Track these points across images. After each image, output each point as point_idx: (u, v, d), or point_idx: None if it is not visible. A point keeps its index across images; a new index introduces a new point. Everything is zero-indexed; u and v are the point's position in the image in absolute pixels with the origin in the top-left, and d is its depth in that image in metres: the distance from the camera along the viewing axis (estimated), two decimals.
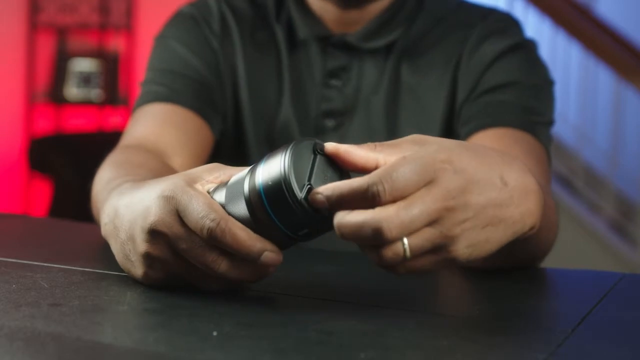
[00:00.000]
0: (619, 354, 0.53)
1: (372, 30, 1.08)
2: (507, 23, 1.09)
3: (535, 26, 3.72)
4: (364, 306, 0.63)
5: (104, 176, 0.83)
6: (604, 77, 3.81)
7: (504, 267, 0.79)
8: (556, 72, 1.09)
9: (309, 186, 0.57)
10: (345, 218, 0.54)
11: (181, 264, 0.61)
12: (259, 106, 1.09)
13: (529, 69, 1.06)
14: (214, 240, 0.58)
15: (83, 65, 3.84)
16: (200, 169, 0.65)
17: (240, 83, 1.10)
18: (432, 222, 0.54)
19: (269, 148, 1.07)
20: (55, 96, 3.84)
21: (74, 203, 2.90)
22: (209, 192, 0.62)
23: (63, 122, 3.88)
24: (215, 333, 0.53)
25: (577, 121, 3.87)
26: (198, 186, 0.62)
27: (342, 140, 1.06)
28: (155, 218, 0.60)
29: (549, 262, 0.87)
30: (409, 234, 0.54)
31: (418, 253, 0.55)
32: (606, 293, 0.70)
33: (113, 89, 3.91)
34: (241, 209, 0.59)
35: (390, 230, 0.53)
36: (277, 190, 0.57)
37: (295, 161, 0.57)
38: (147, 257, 0.62)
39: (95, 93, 3.85)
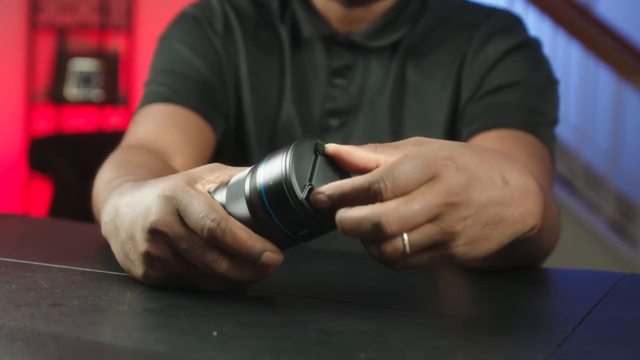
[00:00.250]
0: (619, 354, 0.53)
1: (378, 28, 1.08)
2: (511, 22, 1.09)
3: (535, 26, 3.71)
4: (364, 306, 0.63)
5: (105, 176, 0.84)
6: (604, 77, 3.81)
7: (505, 267, 0.79)
8: (556, 72, 1.09)
9: (310, 186, 0.57)
10: (346, 213, 0.55)
11: (181, 264, 0.62)
12: (261, 106, 1.09)
13: (533, 68, 1.05)
14: (214, 240, 0.58)
15: (83, 65, 3.84)
16: (200, 169, 0.65)
17: (243, 83, 1.10)
18: (432, 219, 0.54)
19: (271, 148, 1.07)
20: (55, 96, 3.84)
21: (74, 203, 2.90)
22: (209, 192, 0.62)
23: (63, 122, 3.88)
24: (215, 333, 0.53)
25: (577, 121, 3.87)
26: (199, 186, 0.62)
27: (346, 139, 1.06)
28: (156, 217, 0.60)
29: (549, 262, 0.87)
30: (409, 230, 0.54)
31: (417, 249, 0.55)
32: (606, 293, 0.70)
33: (113, 89, 3.91)
34: (242, 209, 0.59)
35: (389, 225, 0.53)
36: (279, 190, 0.57)
37: (296, 162, 0.57)
38: (148, 257, 0.62)
39: (95, 93, 3.85)
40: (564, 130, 3.76)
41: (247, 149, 1.09)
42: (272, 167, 0.58)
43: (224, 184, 0.62)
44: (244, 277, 0.61)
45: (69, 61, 3.84)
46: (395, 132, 1.06)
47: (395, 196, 0.54)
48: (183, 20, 1.12)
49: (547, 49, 1.11)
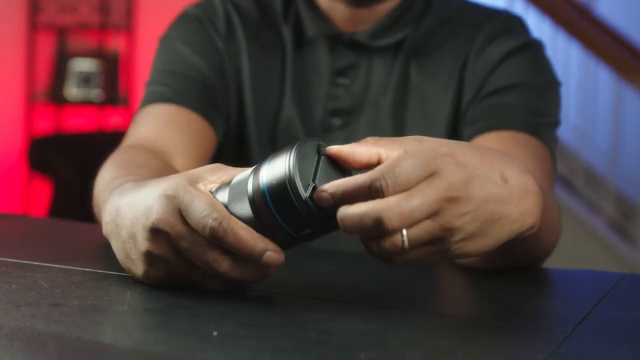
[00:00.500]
0: (619, 354, 0.53)
1: (381, 28, 1.08)
2: (513, 24, 1.09)
3: (535, 26, 3.71)
4: (364, 306, 0.63)
5: (106, 176, 0.84)
6: (604, 77, 3.81)
7: (505, 267, 0.79)
8: (556, 73, 1.09)
9: (313, 186, 0.57)
10: (348, 210, 0.55)
11: (182, 263, 0.62)
12: (262, 106, 1.09)
13: (535, 69, 1.05)
14: (216, 240, 0.58)
15: (83, 65, 3.84)
16: (202, 169, 0.65)
17: (245, 84, 1.10)
18: (432, 214, 0.55)
19: (272, 149, 1.07)
20: (55, 96, 3.84)
21: (74, 203, 2.90)
22: (211, 192, 0.62)
23: (63, 122, 3.88)
24: (215, 333, 0.53)
25: (577, 121, 3.87)
26: (200, 186, 0.62)
27: (348, 139, 1.06)
28: (157, 216, 0.60)
29: (549, 262, 0.87)
30: (409, 225, 0.54)
31: (416, 244, 0.55)
32: (606, 293, 0.70)
33: (113, 89, 3.91)
34: (244, 208, 0.59)
35: (390, 220, 0.53)
36: (282, 190, 0.57)
37: (299, 161, 0.57)
38: (149, 256, 0.62)
39: (95, 93, 3.84)
40: (564, 130, 3.75)
41: (248, 150, 1.09)
42: (276, 167, 0.58)
43: (225, 184, 0.62)
44: (245, 277, 0.61)
45: (69, 61, 3.84)
46: (398, 132, 1.06)
47: (396, 193, 0.54)
48: (184, 20, 1.12)
49: (547, 49, 1.11)
